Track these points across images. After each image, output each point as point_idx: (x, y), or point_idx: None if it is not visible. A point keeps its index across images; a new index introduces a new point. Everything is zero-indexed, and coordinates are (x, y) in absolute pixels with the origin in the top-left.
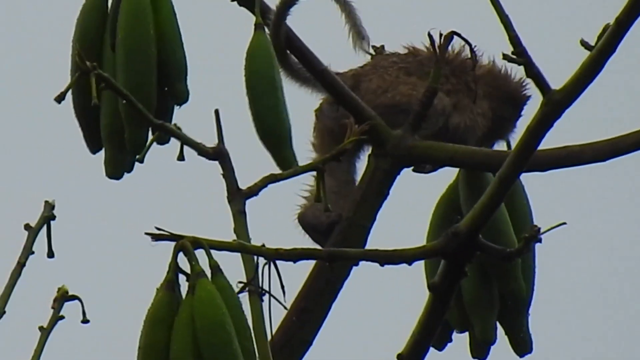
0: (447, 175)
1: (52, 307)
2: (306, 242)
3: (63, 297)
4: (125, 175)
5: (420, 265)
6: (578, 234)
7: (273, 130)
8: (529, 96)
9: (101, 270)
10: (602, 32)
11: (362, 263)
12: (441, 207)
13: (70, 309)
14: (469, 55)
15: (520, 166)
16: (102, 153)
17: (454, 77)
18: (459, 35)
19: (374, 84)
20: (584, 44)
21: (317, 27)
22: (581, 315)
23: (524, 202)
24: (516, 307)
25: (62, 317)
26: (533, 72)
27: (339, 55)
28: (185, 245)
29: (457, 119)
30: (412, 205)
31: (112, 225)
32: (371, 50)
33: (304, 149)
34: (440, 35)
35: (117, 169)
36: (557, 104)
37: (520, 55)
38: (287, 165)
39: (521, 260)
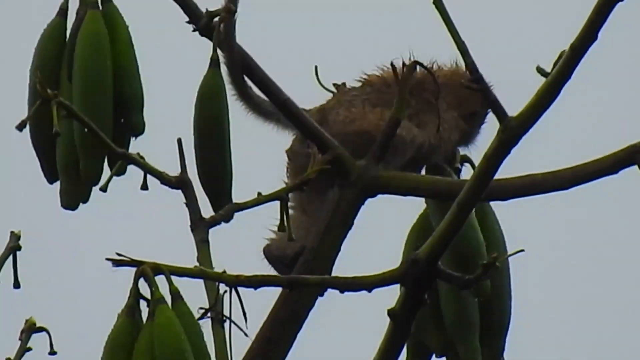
0: (414, 204)
1: (20, 339)
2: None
3: (30, 328)
4: (89, 203)
5: (384, 292)
6: (541, 261)
7: (215, 181)
8: None
9: (67, 300)
10: (558, 59)
11: (326, 293)
12: (412, 236)
13: (37, 341)
14: (424, 71)
15: (479, 193)
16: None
17: (413, 98)
18: (421, 65)
19: (341, 116)
20: (540, 70)
21: (281, 60)
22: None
23: (496, 228)
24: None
25: (30, 349)
26: (490, 99)
27: (302, 89)
28: (146, 271)
29: (421, 139)
30: (376, 235)
31: (78, 255)
32: (332, 87)
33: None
34: (403, 64)
35: (72, 199)
36: (514, 130)
37: (477, 82)
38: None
39: (497, 285)
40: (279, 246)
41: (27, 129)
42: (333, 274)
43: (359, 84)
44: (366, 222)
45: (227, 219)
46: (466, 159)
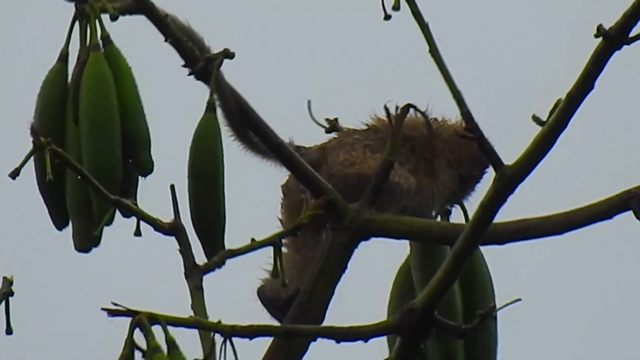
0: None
1: None
2: (265, 316)
3: None
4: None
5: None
6: (535, 307)
7: (209, 227)
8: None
9: (61, 349)
10: (554, 108)
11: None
12: (399, 279)
13: None
14: (426, 128)
15: (475, 242)
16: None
17: (414, 155)
18: (414, 107)
19: (341, 157)
20: (536, 119)
21: (275, 99)
22: None
23: (484, 270)
24: None
25: None
26: (485, 147)
27: (300, 127)
28: (142, 320)
29: (411, 203)
30: (371, 278)
31: (70, 301)
32: (325, 123)
33: (272, 225)
34: (397, 107)
35: (86, 241)
36: (509, 179)
37: (472, 130)
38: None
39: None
40: (273, 287)
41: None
42: (327, 318)
43: (363, 127)
44: (360, 265)
45: (220, 265)
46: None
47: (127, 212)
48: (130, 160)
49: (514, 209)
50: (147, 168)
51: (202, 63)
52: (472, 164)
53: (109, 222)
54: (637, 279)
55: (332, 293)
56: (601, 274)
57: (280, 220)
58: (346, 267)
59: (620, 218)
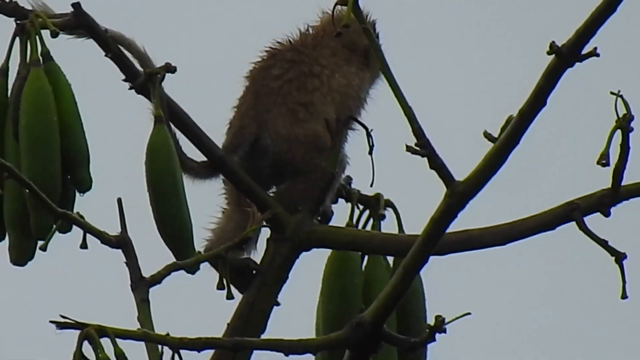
0: None
1: None
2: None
3: None
4: (30, 262)
5: None
6: (482, 320)
7: (176, 234)
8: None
9: None
10: (506, 124)
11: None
12: (327, 278)
13: None
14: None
15: (425, 256)
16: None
17: (318, 65)
18: (355, 119)
19: (280, 123)
20: (487, 135)
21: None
22: None
23: (418, 287)
24: None
25: None
26: (437, 163)
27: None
28: (91, 333)
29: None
30: (311, 288)
31: (16, 314)
32: None
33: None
34: (337, 119)
35: (22, 255)
36: (460, 195)
37: (423, 147)
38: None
39: None
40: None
41: None
42: (268, 328)
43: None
44: (301, 275)
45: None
46: (389, 205)
47: (70, 226)
48: (68, 177)
49: (457, 220)
50: (85, 184)
51: (143, 78)
52: (357, 37)
53: (66, 230)
54: (580, 289)
55: (273, 304)
56: (545, 285)
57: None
58: (287, 277)
59: (564, 229)
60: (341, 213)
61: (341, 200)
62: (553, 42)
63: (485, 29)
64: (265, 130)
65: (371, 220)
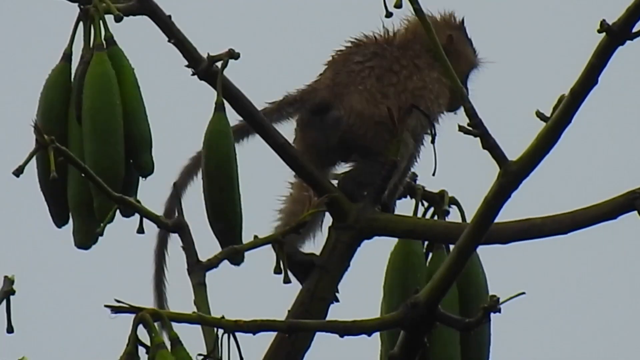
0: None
1: None
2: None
3: None
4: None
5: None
6: (538, 305)
7: (227, 226)
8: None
9: (63, 345)
10: (558, 103)
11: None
12: (390, 273)
13: None
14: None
15: (479, 237)
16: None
17: (398, 64)
18: (417, 108)
19: (356, 99)
20: (540, 115)
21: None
22: None
23: (479, 272)
24: None
25: None
26: (489, 143)
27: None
28: (145, 317)
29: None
30: (373, 276)
31: (73, 298)
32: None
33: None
34: (400, 108)
35: (86, 238)
36: (513, 175)
37: (476, 127)
38: (236, 259)
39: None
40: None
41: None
42: (329, 315)
43: (351, 46)
44: (363, 264)
45: (235, 262)
46: (454, 202)
47: (130, 210)
48: (131, 161)
49: (518, 209)
50: (147, 169)
51: (206, 63)
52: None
53: (111, 219)
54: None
55: (335, 291)
56: (605, 274)
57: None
58: (349, 265)
59: (625, 218)
60: (407, 211)
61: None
62: (603, 20)
63: (538, 7)
64: (340, 102)
65: (435, 217)
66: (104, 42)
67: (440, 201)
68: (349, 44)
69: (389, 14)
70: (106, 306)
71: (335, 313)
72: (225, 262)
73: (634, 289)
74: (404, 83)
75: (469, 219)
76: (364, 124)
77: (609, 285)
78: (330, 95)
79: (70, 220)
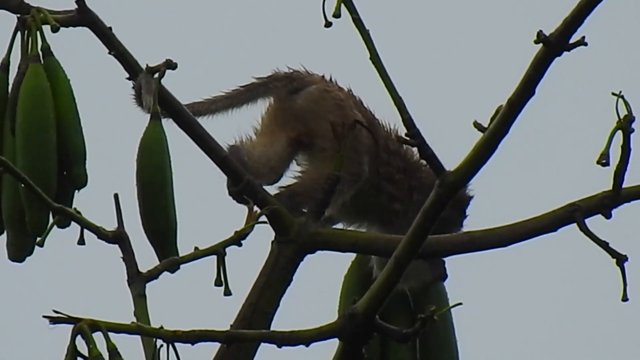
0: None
1: None
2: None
3: None
4: (27, 258)
5: (322, 345)
6: (482, 320)
7: (160, 231)
8: (472, 196)
9: (1, 356)
10: (495, 114)
11: (266, 346)
12: (347, 285)
13: None
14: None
15: (417, 247)
16: (3, 236)
17: (405, 175)
18: (361, 124)
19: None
20: (477, 125)
21: None
22: None
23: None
24: None
25: None
26: (427, 154)
27: None
28: (83, 328)
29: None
30: (316, 291)
31: (14, 310)
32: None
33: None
34: (343, 124)
35: (19, 252)
36: (451, 185)
37: (414, 137)
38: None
39: (442, 336)
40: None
41: None
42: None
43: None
44: (305, 278)
45: (170, 271)
46: None
47: (69, 221)
48: (64, 173)
49: None
50: (80, 181)
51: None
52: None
53: (65, 225)
54: (581, 291)
55: (277, 306)
56: (546, 287)
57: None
58: (291, 279)
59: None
60: None
61: None
62: (540, 31)
63: (475, 19)
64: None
65: None
66: (40, 53)
67: None
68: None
69: (328, 24)
70: (45, 317)
71: (278, 327)
72: (166, 274)
73: (574, 301)
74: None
75: None
76: (321, 110)
77: (549, 298)
78: (321, 83)
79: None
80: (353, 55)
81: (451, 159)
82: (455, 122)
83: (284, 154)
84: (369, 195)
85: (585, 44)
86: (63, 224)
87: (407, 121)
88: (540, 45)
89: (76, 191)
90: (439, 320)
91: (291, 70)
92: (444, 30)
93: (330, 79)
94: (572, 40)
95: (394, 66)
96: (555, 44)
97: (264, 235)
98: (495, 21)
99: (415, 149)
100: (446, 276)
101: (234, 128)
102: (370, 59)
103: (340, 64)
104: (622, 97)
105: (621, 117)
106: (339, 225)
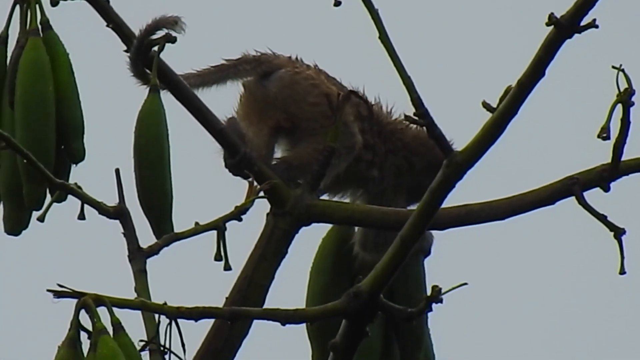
0: None
1: None
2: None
3: None
4: (26, 232)
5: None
6: (479, 293)
7: (156, 204)
8: None
9: (6, 332)
10: (504, 94)
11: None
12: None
13: None
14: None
15: (423, 226)
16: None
17: (380, 139)
18: (356, 94)
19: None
20: (486, 105)
21: None
22: None
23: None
24: None
25: None
26: (435, 133)
27: None
28: (88, 302)
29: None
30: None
31: (16, 285)
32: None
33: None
34: (338, 94)
35: (16, 225)
36: (458, 165)
37: (422, 116)
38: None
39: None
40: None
41: None
42: (267, 302)
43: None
44: (300, 250)
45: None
46: None
47: (66, 195)
48: (62, 147)
49: (456, 195)
50: (78, 156)
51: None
52: (429, 172)
53: (62, 200)
54: (578, 264)
55: (272, 278)
56: (544, 260)
57: (237, 112)
58: (286, 252)
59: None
60: None
61: None
62: (552, 13)
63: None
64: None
65: None
66: (39, 27)
67: None
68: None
69: (337, 3)
70: (48, 291)
71: (272, 300)
72: (166, 249)
73: (572, 274)
74: None
75: None
76: (298, 91)
77: (548, 271)
78: (289, 65)
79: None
80: (362, 34)
81: (459, 139)
82: (463, 102)
83: (270, 143)
84: (349, 164)
85: (597, 27)
86: (60, 198)
87: (416, 100)
88: (552, 27)
89: (73, 165)
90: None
91: (259, 53)
92: (454, 10)
93: (297, 58)
94: (583, 23)
95: (402, 46)
96: (566, 26)
97: (258, 208)
98: (506, 2)
99: (398, 116)
100: (429, 253)
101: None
102: (380, 38)
103: (349, 43)
104: (623, 70)
105: (621, 90)
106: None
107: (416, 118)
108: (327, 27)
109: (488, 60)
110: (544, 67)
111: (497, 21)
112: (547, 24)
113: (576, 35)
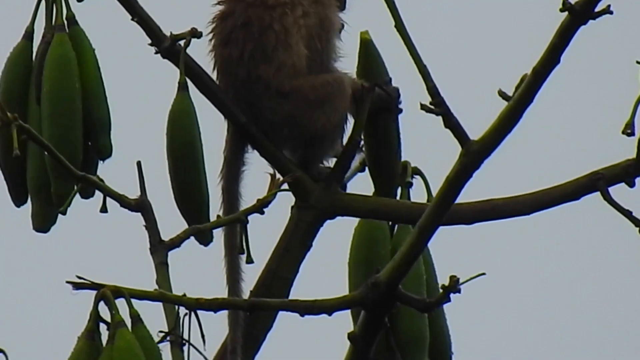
0: None
1: None
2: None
3: None
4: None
5: (344, 314)
6: (499, 285)
7: (193, 205)
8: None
9: (26, 322)
10: (520, 83)
11: (286, 315)
12: (354, 248)
13: None
14: None
15: (440, 217)
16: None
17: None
18: (381, 87)
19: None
20: (502, 94)
21: None
22: None
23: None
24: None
25: None
26: (451, 122)
27: None
28: (106, 294)
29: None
30: (335, 256)
31: (37, 277)
32: None
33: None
34: (363, 86)
35: (44, 222)
36: (475, 154)
37: (438, 105)
38: (204, 239)
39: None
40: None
41: None
42: (292, 295)
43: None
44: (325, 244)
45: (201, 240)
46: (417, 172)
47: (92, 190)
48: (89, 143)
49: (481, 189)
50: (105, 152)
51: (169, 42)
52: None
53: (89, 196)
54: (603, 260)
55: (297, 272)
56: (569, 255)
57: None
58: (311, 245)
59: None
60: (369, 182)
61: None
62: None
63: None
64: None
65: (399, 189)
66: (65, 22)
67: (403, 173)
68: None
69: None
70: (68, 282)
71: (297, 293)
72: (188, 242)
73: (597, 270)
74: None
75: (433, 191)
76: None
77: (572, 266)
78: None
79: (29, 202)
80: (378, 23)
81: (475, 128)
82: (479, 90)
83: None
84: None
85: (611, 12)
86: (87, 193)
87: (432, 89)
88: (566, 13)
89: (100, 161)
90: None
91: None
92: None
93: None
94: (597, 9)
95: (418, 34)
96: (580, 12)
97: (283, 202)
98: None
99: None
100: (399, 110)
101: None
102: (395, 26)
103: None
104: None
105: None
106: None
107: (432, 107)
108: (344, 17)
109: (503, 49)
110: (558, 54)
111: (512, 9)
112: (561, 10)
113: (592, 22)
